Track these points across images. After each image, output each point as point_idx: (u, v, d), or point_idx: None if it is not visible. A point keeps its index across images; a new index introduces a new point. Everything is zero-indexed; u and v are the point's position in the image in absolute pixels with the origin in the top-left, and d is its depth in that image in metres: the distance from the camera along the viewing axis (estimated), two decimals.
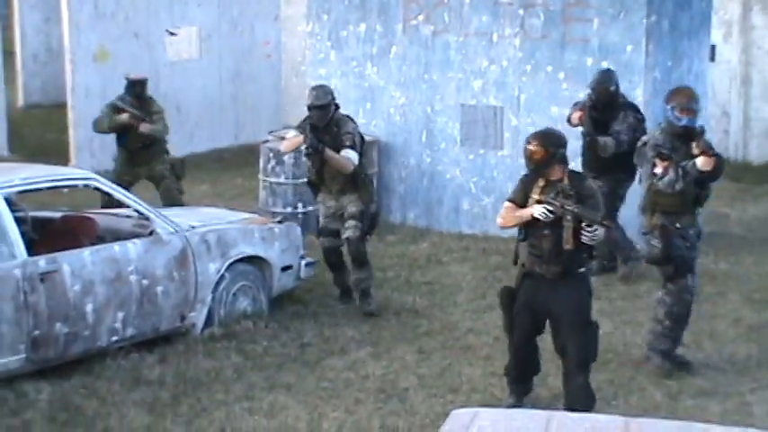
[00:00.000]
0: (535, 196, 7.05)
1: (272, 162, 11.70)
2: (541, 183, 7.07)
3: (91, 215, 8.80)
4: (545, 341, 7.44)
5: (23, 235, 7.73)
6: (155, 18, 15.43)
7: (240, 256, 8.82)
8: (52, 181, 8.26)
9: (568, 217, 6.91)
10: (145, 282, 8.17)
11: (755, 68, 15.12)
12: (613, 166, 9.92)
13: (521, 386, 7.46)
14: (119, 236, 8.35)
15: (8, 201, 7.72)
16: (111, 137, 11.53)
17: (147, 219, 8.42)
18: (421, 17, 11.89)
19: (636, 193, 9.21)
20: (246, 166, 14.42)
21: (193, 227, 8.65)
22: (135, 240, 8.24)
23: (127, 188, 11.05)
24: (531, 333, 7.28)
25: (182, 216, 8.97)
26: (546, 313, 7.18)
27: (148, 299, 8.20)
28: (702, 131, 7.79)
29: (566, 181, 7.06)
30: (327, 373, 8.06)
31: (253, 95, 16.98)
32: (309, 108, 9.17)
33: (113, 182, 10.97)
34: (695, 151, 7.66)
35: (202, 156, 15.52)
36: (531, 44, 11.29)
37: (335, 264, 9.55)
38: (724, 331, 8.86)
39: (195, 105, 16.04)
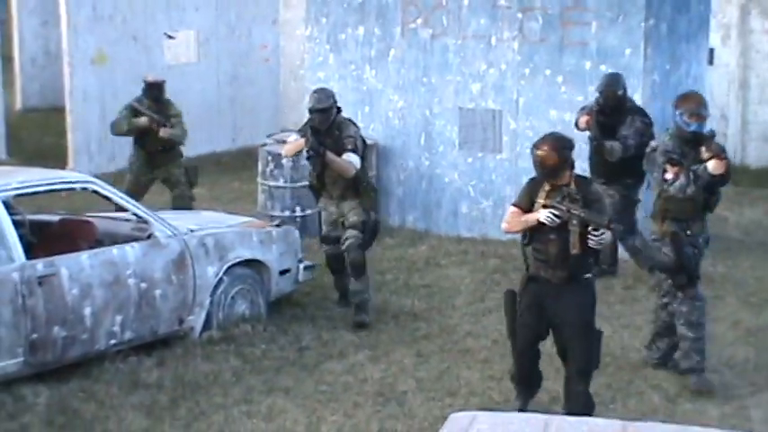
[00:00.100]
0: (541, 201, 6.99)
1: (271, 165, 11.70)
2: (547, 187, 7.01)
3: (89, 218, 8.79)
4: (544, 343, 7.42)
5: (21, 238, 7.72)
6: (153, 21, 15.41)
7: (238, 259, 8.82)
8: (50, 184, 8.26)
9: (575, 221, 6.85)
10: (143, 285, 8.17)
11: (753, 72, 15.13)
12: (621, 171, 9.87)
13: (527, 390, 7.42)
14: (117, 239, 8.34)
15: (6, 204, 7.71)
16: (118, 138, 11.50)
17: (146, 222, 8.41)
18: (419, 20, 11.89)
19: (645, 199, 9.17)
20: (244, 170, 14.43)
21: (192, 230, 8.64)
22: (133, 244, 8.23)
23: (143, 189, 11.10)
24: (534, 338, 7.22)
25: (180, 219, 8.96)
26: (549, 318, 7.12)
27: (147, 302, 8.20)
28: (713, 135, 7.80)
29: (572, 185, 6.98)
30: (326, 377, 8.05)
31: (251, 99, 16.97)
32: (311, 111, 9.10)
33: (130, 182, 11.07)
34: (706, 155, 7.66)
35: (200, 159, 15.44)
36: (530, 47, 11.29)
37: (338, 269, 9.52)
38: (722, 334, 8.86)
39: (193, 109, 15.92)
